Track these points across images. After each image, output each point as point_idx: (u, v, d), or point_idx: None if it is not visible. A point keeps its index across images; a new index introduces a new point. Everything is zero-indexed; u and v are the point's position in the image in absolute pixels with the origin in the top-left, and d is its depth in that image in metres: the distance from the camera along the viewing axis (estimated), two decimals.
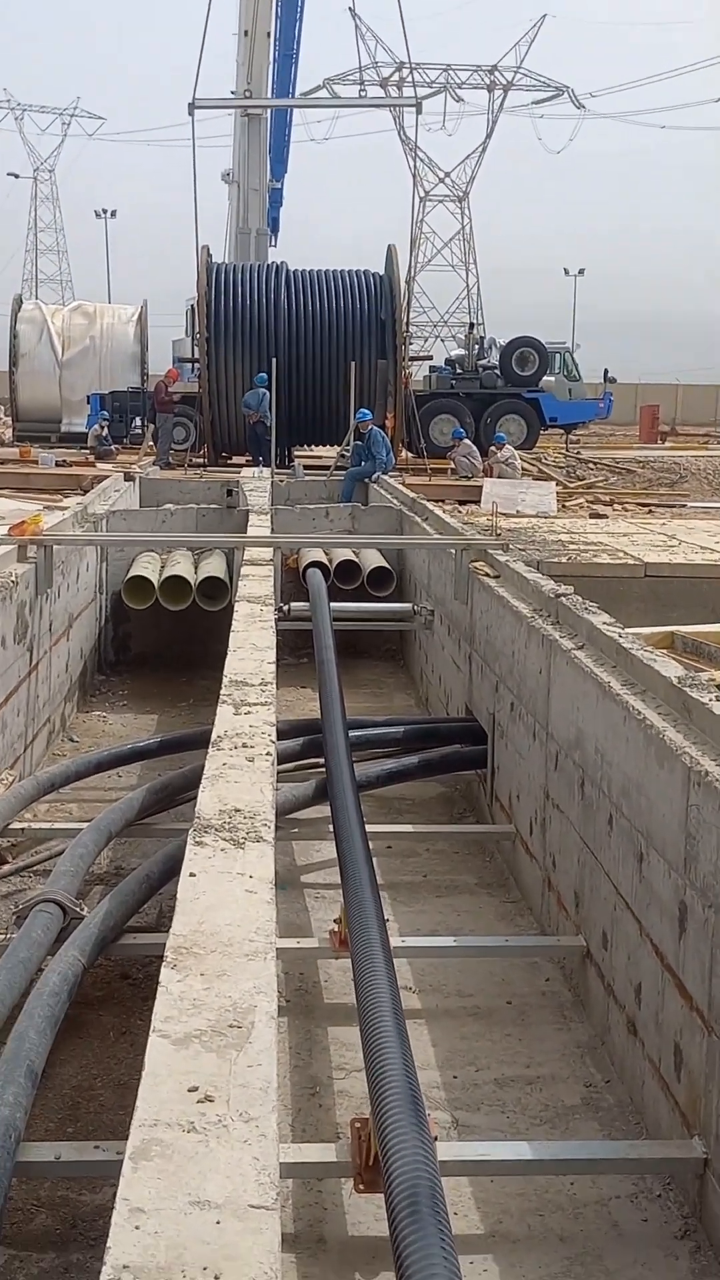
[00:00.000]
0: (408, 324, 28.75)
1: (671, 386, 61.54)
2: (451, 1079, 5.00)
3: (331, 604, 9.76)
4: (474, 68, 64.14)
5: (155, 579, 11.96)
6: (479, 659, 8.36)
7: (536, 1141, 4.46)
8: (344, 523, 14.00)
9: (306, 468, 22.42)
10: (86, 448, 27.50)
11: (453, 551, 9.39)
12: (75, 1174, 4.13)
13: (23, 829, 7.10)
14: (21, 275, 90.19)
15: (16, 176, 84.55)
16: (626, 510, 18.29)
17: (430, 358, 36.65)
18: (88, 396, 31.86)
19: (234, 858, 3.52)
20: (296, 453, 27.29)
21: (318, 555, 12.49)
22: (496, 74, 64.03)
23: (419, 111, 29.61)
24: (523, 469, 23.16)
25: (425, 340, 64.52)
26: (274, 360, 23.15)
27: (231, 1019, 2.63)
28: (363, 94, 45.54)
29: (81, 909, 5.25)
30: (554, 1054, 5.21)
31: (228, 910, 3.16)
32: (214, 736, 4.73)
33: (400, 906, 6.68)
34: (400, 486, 16.40)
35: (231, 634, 6.71)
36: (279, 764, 6.53)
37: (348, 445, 20.37)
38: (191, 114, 26.45)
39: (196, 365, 26.93)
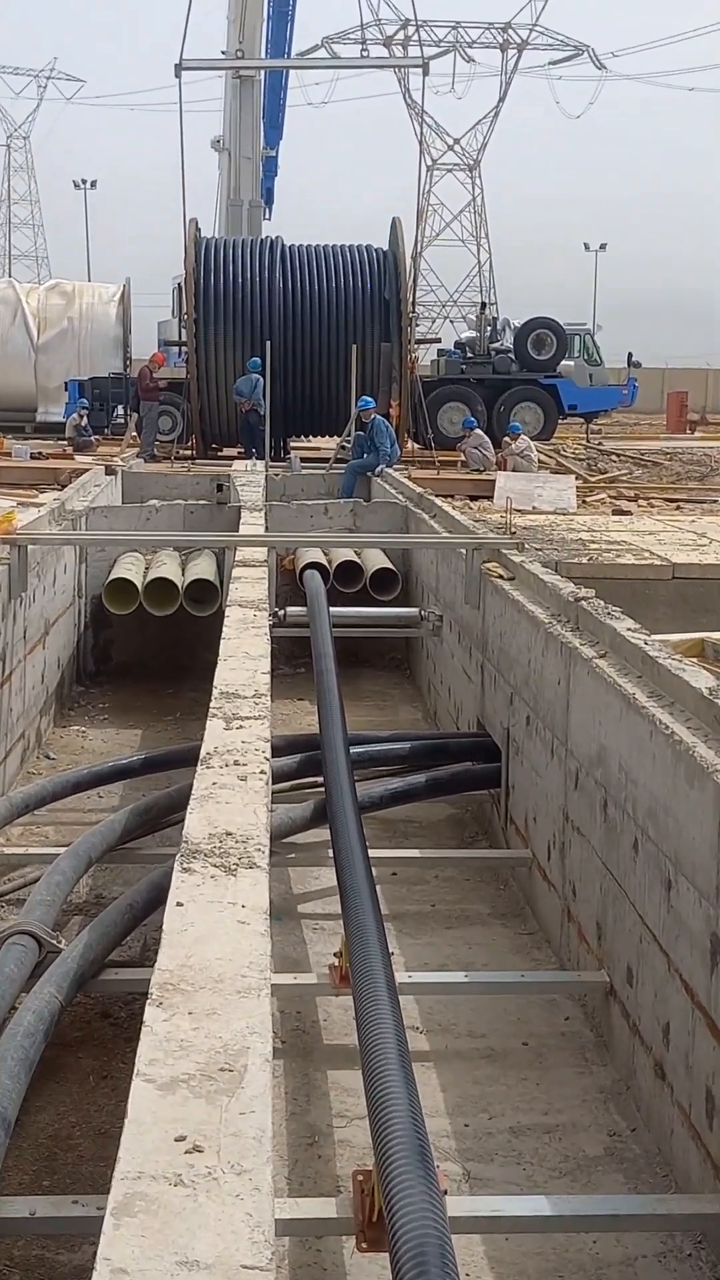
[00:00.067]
0: (414, 304, 28.78)
1: (701, 371, 61.59)
2: (463, 1127, 5.00)
3: (331, 609, 9.76)
4: (486, 25, 64.30)
5: (139, 581, 11.97)
6: (492, 669, 8.36)
7: (555, 1196, 4.46)
8: (345, 520, 14.01)
9: (304, 461, 22.45)
10: (64, 439, 27.55)
11: (463, 551, 9.39)
12: (52, 1231, 4.12)
13: None
14: None
15: None
16: (652, 506, 18.30)
17: (438, 340, 36.71)
18: (65, 383, 31.94)
19: (225, 886, 3.51)
20: (293, 444, 27.33)
21: (316, 556, 12.50)
22: (510, 32, 64.17)
23: (426, 73, 29.67)
24: (539, 461, 23.18)
25: (433, 321, 64.62)
26: (268, 343, 23.21)
27: (222, 1062, 2.63)
28: (365, 54, 45.64)
29: (59, 942, 5.24)
30: (574, 1100, 5.20)
31: (218, 943, 3.16)
32: (203, 753, 4.73)
33: (406, 939, 6.68)
34: (406, 481, 16.42)
35: (222, 642, 6.71)
36: (274, 783, 6.53)
37: (349, 436, 20.41)
38: (179, 76, 26.52)
39: (184, 349, 26.98)
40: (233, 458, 24.01)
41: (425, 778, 7.93)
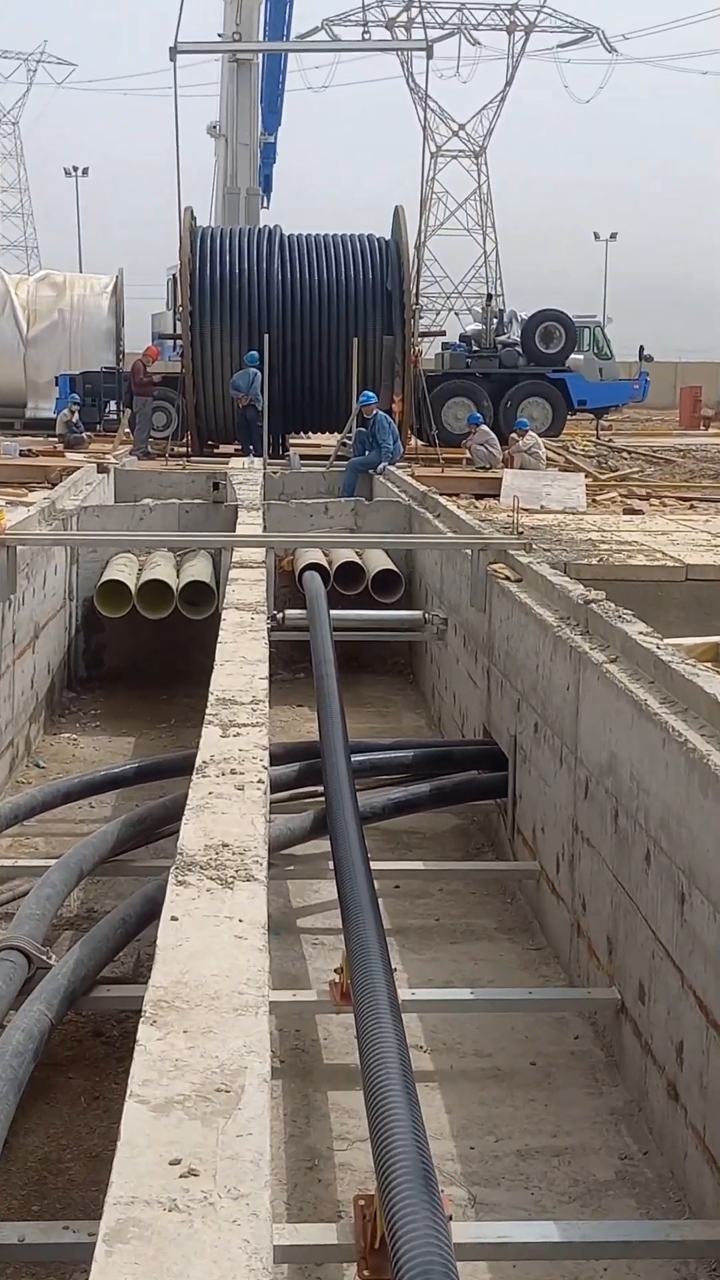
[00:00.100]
0: (417, 295, 28.80)
1: (716, 365, 61.62)
2: (468, 1150, 5.00)
3: (331, 612, 9.77)
4: (492, 6, 64.36)
5: (132, 584, 11.98)
6: (498, 674, 8.36)
7: (564, 1221, 4.45)
8: (345, 520, 14.02)
9: (303, 458, 22.47)
10: (54, 435, 27.56)
11: (468, 552, 9.40)
12: (42, 1258, 4.12)
13: None
14: None
15: None
16: (665, 505, 18.29)
17: (443, 333, 36.75)
18: (56, 378, 31.92)
19: (221, 899, 3.51)
20: (292, 441, 27.33)
21: (316, 556, 12.50)
22: (517, 14, 64.23)
23: (430, 56, 29.69)
24: (548, 459, 23.19)
25: (437, 314, 64.67)
26: (266, 336, 23.21)
27: (219, 1082, 2.63)
28: (366, 36, 45.69)
29: (49, 957, 5.24)
30: (584, 1122, 5.20)
31: (214, 959, 3.16)
32: (199, 762, 4.73)
33: (410, 954, 6.68)
34: (409, 479, 16.43)
35: (218, 646, 6.71)
36: (272, 793, 6.53)
37: (350, 432, 20.42)
38: (173, 59, 26.54)
39: (179, 342, 27.00)
40: (229, 455, 24.02)
41: (429, 787, 7.93)
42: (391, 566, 12.67)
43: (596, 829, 5.98)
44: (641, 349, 39.47)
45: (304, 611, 10.02)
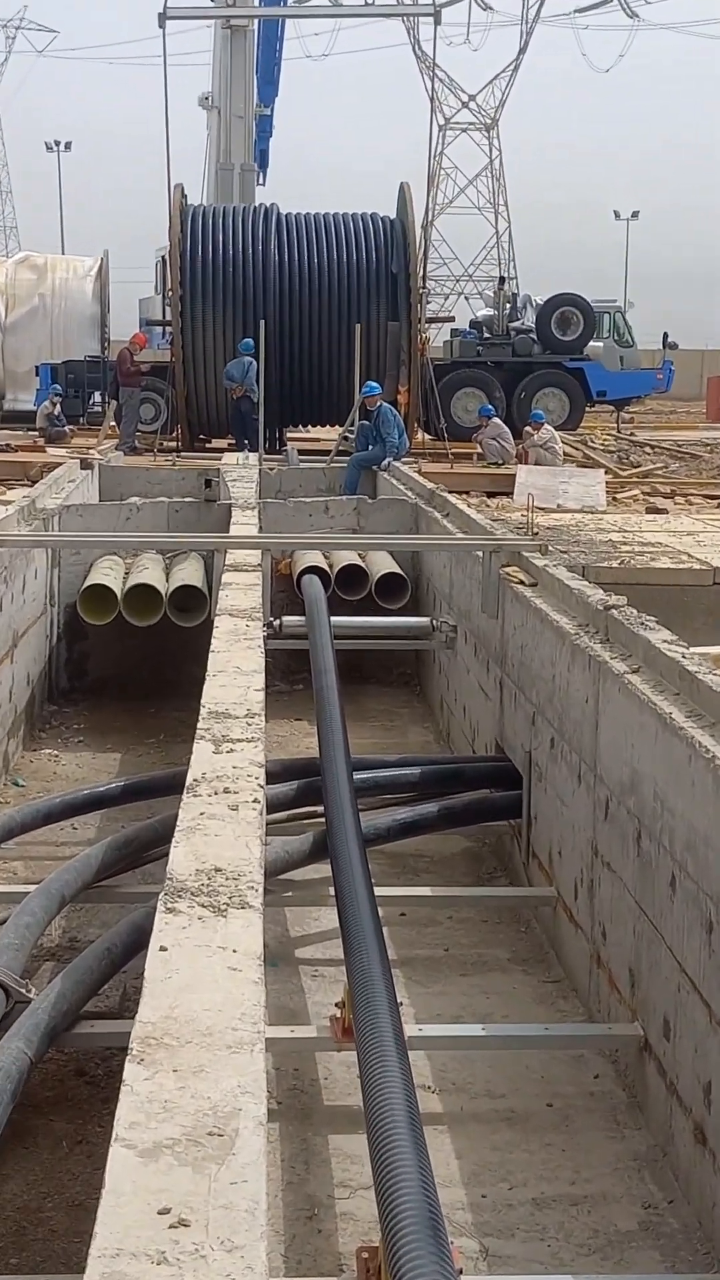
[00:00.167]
0: (424, 278, 28.86)
1: None
2: (480, 1198, 4.99)
3: (332, 618, 9.77)
4: None
5: (118, 588, 11.99)
6: (512, 685, 8.36)
7: (583, 1276, 4.45)
8: (347, 520, 14.03)
9: (302, 453, 22.49)
10: (35, 429, 27.61)
11: (480, 554, 9.40)
12: None
13: None
14: None
15: None
16: (691, 504, 18.31)
17: (452, 319, 36.84)
18: (36, 367, 32.01)
19: (214, 928, 3.51)
20: (290, 435, 27.36)
21: (316, 559, 12.51)
22: None
23: (438, 21, 29.79)
24: (565, 453, 23.21)
25: (446, 298, 64.80)
26: (262, 323, 23.17)
27: (211, 1125, 2.62)
28: (370, 1, 45.78)
29: (28, 991, 5.24)
30: (605, 1168, 5.20)
31: (206, 992, 3.16)
32: (189, 780, 4.73)
33: (417, 987, 6.68)
34: (416, 475, 16.45)
35: (210, 655, 6.71)
36: (269, 813, 6.52)
37: (352, 426, 20.44)
38: (162, 26, 26.62)
39: (168, 329, 27.05)
40: (223, 450, 24.05)
41: (437, 807, 7.93)
42: (397, 570, 12.68)
43: (618, 852, 5.98)
44: (665, 335, 39.48)
45: (303, 618, 10.01)
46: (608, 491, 17.91)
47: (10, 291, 33.97)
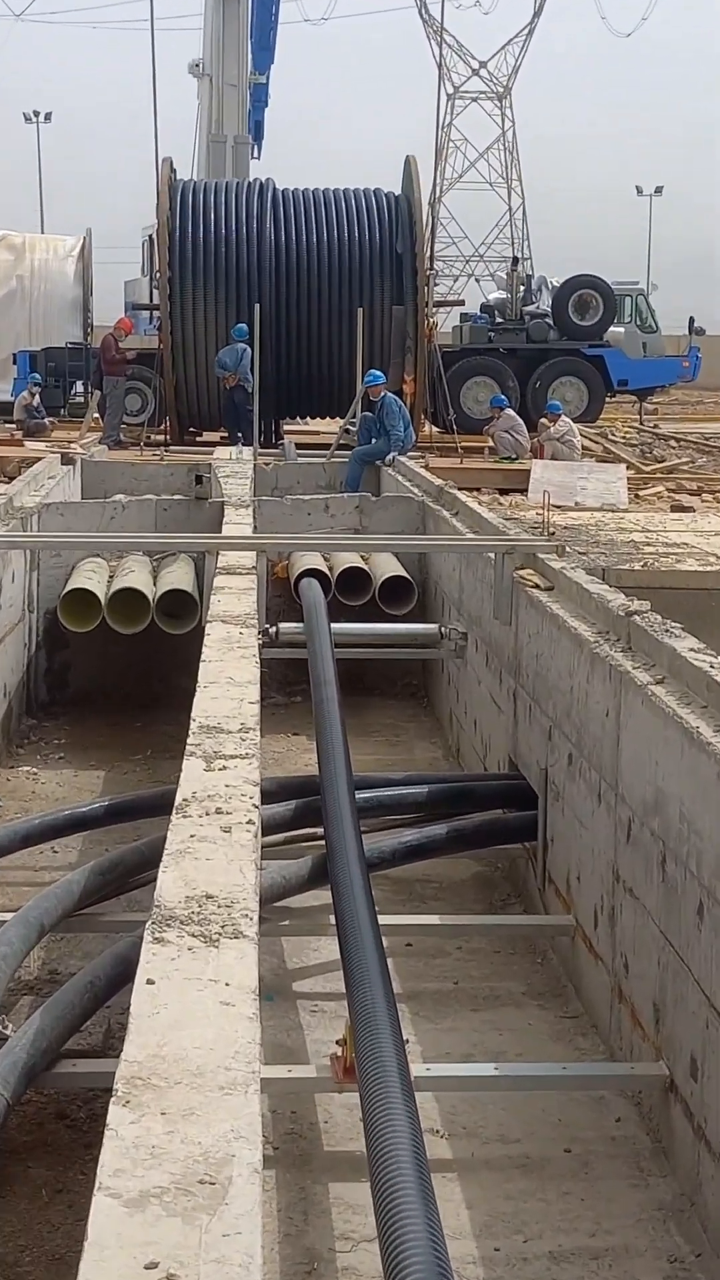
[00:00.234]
0: (432, 259, 28.88)
1: None
2: (493, 1251, 4.98)
3: (333, 625, 9.77)
4: None
5: (101, 593, 12.00)
6: (526, 697, 8.36)
7: None
8: (349, 519, 14.04)
9: (300, 447, 22.52)
10: (12, 421, 27.64)
11: (492, 556, 9.41)
12: None
13: None
14: None
15: None
16: (719, 501, 18.32)
17: (462, 302, 36.91)
18: (14, 355, 32.04)
19: (205, 959, 3.51)
20: (286, 427, 27.39)
21: (315, 561, 12.52)
22: None
23: None
24: (583, 447, 23.23)
25: (455, 280, 64.87)
26: (257, 307, 23.29)
27: (202, 1172, 2.62)
28: None
29: (5, 1027, 5.24)
30: (627, 1218, 5.19)
31: (197, 1028, 3.16)
32: (179, 799, 4.73)
33: (424, 1023, 6.67)
34: (422, 471, 16.47)
35: (201, 665, 6.72)
36: (265, 835, 6.52)
37: (354, 418, 20.46)
38: None
39: (156, 314, 27.08)
40: (215, 444, 24.07)
41: (446, 828, 7.92)
42: (402, 573, 12.68)
43: (641, 877, 5.97)
44: (692, 321, 39.51)
45: (301, 625, 10.02)
46: (629, 488, 17.89)
47: None
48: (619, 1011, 6.27)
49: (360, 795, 7.35)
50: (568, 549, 9.51)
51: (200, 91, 42.73)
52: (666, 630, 6.58)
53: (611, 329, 31.11)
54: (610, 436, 27.84)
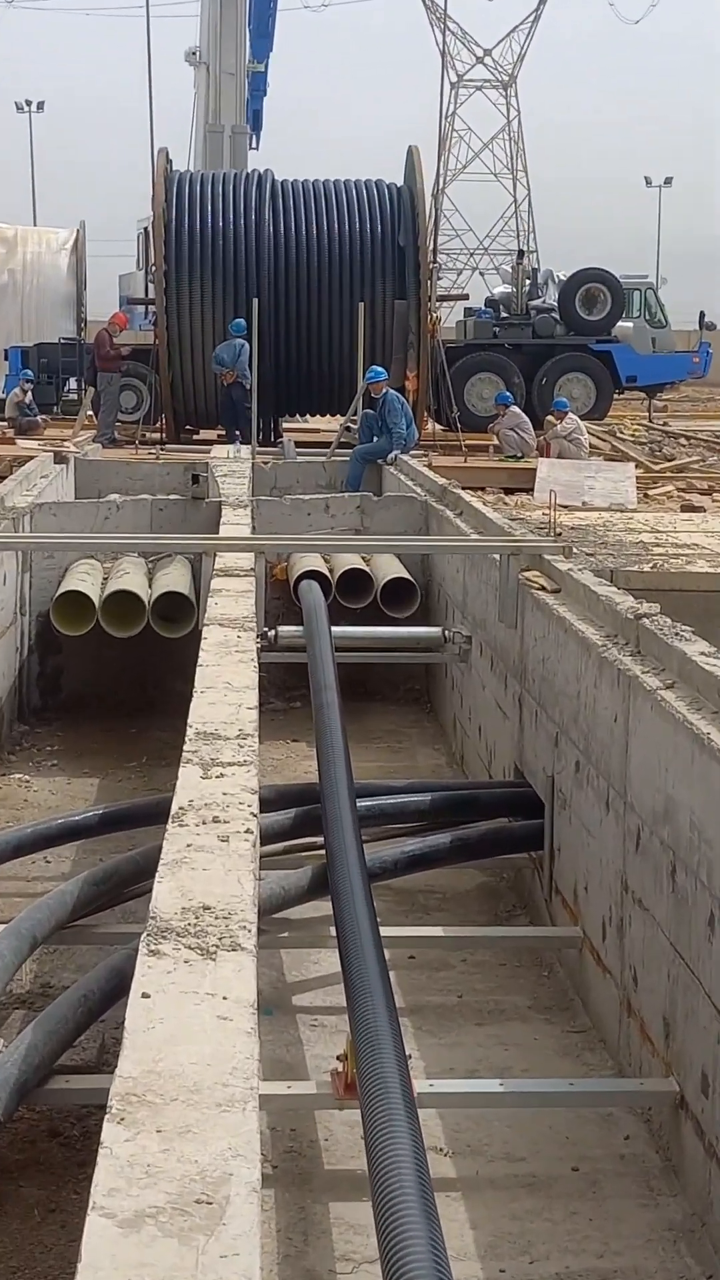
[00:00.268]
0: (435, 252, 28.90)
1: None
2: (498, 1273, 4.98)
3: (333, 628, 9.77)
4: None
5: (95, 595, 12.00)
6: (532, 702, 8.36)
7: None
8: (350, 519, 14.04)
9: (299, 445, 22.53)
10: (3, 419, 27.65)
11: (497, 558, 9.41)
12: None
13: None
14: None
15: None
16: None
17: (466, 297, 36.86)
18: (5, 350, 32.04)
19: (202, 972, 3.51)
20: (286, 426, 27.39)
21: (315, 563, 12.52)
22: None
23: None
24: (590, 445, 23.24)
25: (459, 274, 64.91)
26: (256, 301, 23.30)
27: (199, 1192, 2.62)
28: None
29: None
30: (636, 1239, 5.18)
31: (194, 1044, 3.16)
32: (175, 808, 4.73)
33: (427, 1038, 6.67)
34: (425, 470, 16.47)
35: (198, 669, 6.72)
36: (263, 844, 6.52)
37: (355, 415, 20.47)
38: None
39: (152, 308, 27.10)
40: (212, 442, 24.08)
41: (449, 838, 7.92)
42: (405, 574, 12.68)
43: (650, 888, 5.97)
44: (702, 315, 39.59)
45: (300, 628, 10.02)
46: (638, 487, 17.90)
47: None
48: (628, 1026, 6.27)
49: (361, 803, 7.35)
50: (575, 550, 9.51)
51: (197, 80, 42.77)
52: (676, 634, 6.58)
53: (620, 324, 31.11)
54: (618, 434, 27.84)
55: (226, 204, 25.98)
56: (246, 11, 41.72)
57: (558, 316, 30.47)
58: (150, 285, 27.37)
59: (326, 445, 21.83)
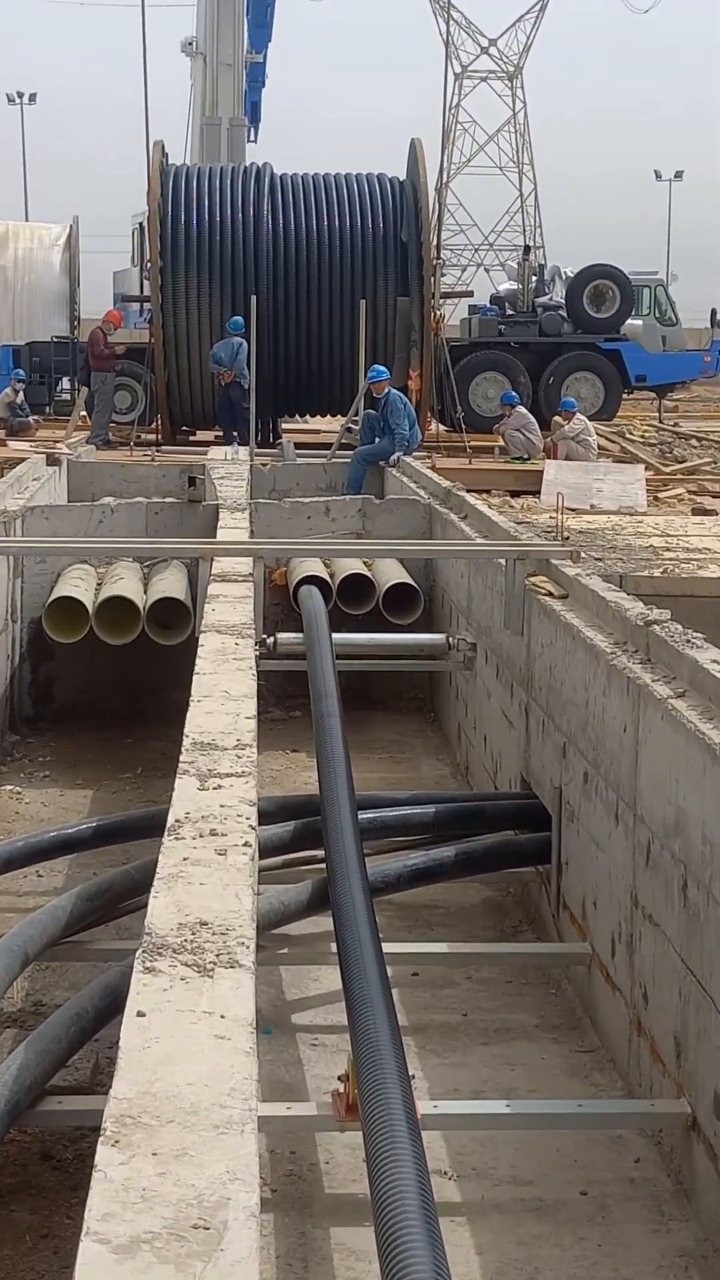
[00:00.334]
0: (439, 247, 28.93)
1: None
2: None
3: (334, 635, 9.78)
4: None
5: (89, 601, 12.00)
6: (539, 711, 8.36)
7: None
8: (351, 523, 14.04)
9: (299, 447, 22.54)
10: None
11: (502, 562, 9.41)
12: None
13: None
14: None
15: None
16: None
17: (471, 294, 36.85)
18: None
19: (199, 990, 3.51)
20: (285, 426, 27.40)
21: (315, 568, 12.53)
22: None
23: None
24: (599, 447, 23.26)
25: (463, 270, 64.99)
26: (254, 299, 23.31)
27: (196, 1217, 2.62)
28: None
29: None
30: (647, 1264, 5.18)
31: (191, 1064, 3.15)
32: (171, 820, 4.73)
33: (431, 1058, 6.67)
34: (429, 472, 16.48)
35: (195, 677, 6.72)
36: (262, 858, 6.52)
37: (356, 415, 20.48)
38: None
39: (147, 306, 27.12)
40: (209, 443, 24.09)
41: (454, 851, 7.92)
42: (407, 580, 12.69)
43: (661, 903, 5.97)
44: (714, 313, 39.61)
45: (300, 635, 10.02)
46: (648, 490, 17.92)
47: None
48: (638, 1045, 6.27)
49: (363, 815, 7.35)
50: (583, 554, 9.51)
51: (194, 71, 42.75)
52: (688, 641, 6.58)
53: (629, 322, 31.13)
54: (628, 435, 27.85)
55: (224, 198, 25.99)
56: (244, 0, 41.74)
57: (565, 314, 30.48)
58: (145, 282, 27.39)
59: (327, 447, 21.84)
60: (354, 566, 12.73)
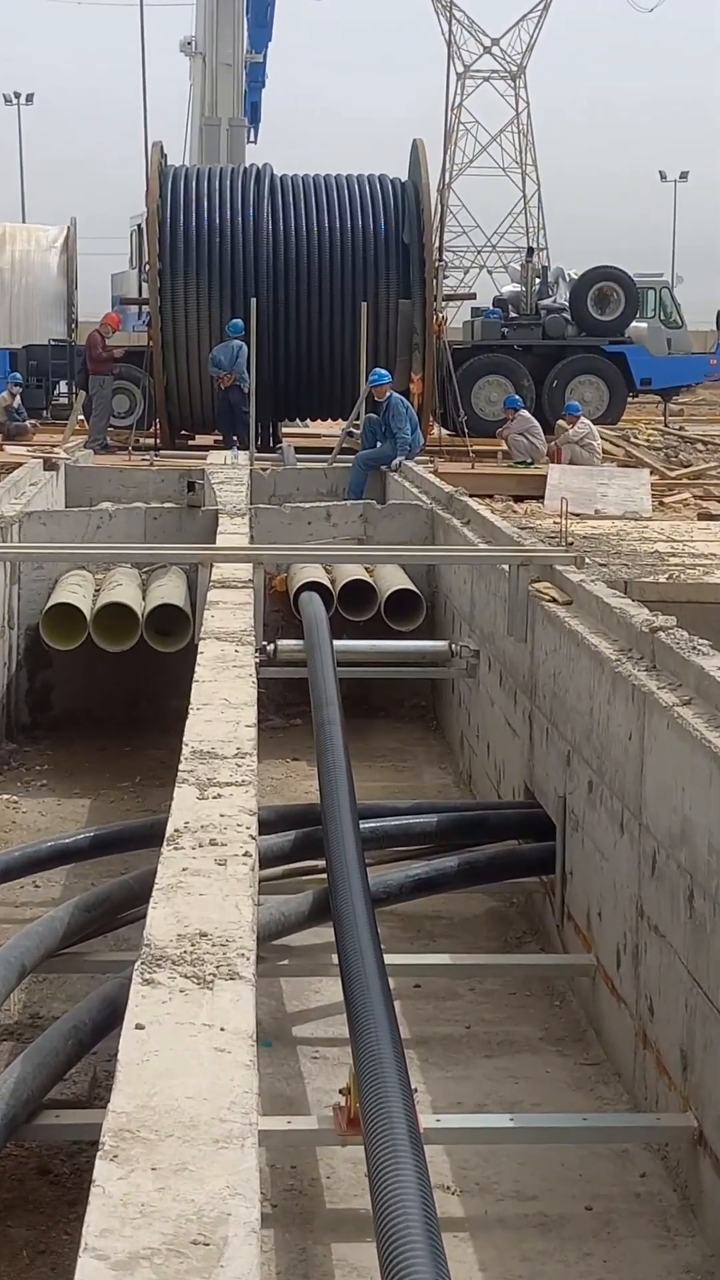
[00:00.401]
0: (441, 249, 28.95)
1: None
2: None
3: (335, 642, 9.78)
4: None
5: (87, 608, 12.01)
6: (543, 719, 8.36)
7: None
8: (352, 528, 14.05)
9: (300, 451, 22.55)
10: None
11: (506, 568, 9.42)
12: None
13: None
14: None
15: None
16: None
17: (473, 296, 36.94)
18: None
19: (198, 1002, 3.51)
20: (285, 430, 27.41)
21: (316, 574, 12.53)
22: None
23: None
24: (604, 451, 23.26)
25: (466, 272, 65.03)
26: (254, 301, 23.34)
27: (195, 1232, 2.62)
28: None
29: None
30: None
31: (190, 1077, 3.15)
32: (170, 830, 4.73)
33: (434, 1071, 6.66)
34: (431, 477, 16.48)
35: (194, 685, 6.72)
36: (263, 868, 6.52)
37: (358, 419, 20.50)
38: None
39: (145, 309, 27.13)
40: (208, 448, 24.10)
41: (457, 861, 7.92)
42: (410, 586, 12.69)
43: (666, 913, 5.97)
44: None
45: (301, 642, 10.02)
46: (654, 495, 17.93)
47: None
48: (643, 1058, 6.26)
49: (365, 825, 7.35)
50: (587, 560, 9.51)
51: (193, 71, 42.81)
52: (693, 647, 6.58)
53: (634, 324, 31.14)
54: (632, 439, 27.85)
55: (223, 200, 26.02)
56: (244, 0, 41.80)
57: (569, 317, 30.49)
58: (144, 284, 27.39)
59: (327, 451, 21.84)
60: (355, 572, 12.74)
